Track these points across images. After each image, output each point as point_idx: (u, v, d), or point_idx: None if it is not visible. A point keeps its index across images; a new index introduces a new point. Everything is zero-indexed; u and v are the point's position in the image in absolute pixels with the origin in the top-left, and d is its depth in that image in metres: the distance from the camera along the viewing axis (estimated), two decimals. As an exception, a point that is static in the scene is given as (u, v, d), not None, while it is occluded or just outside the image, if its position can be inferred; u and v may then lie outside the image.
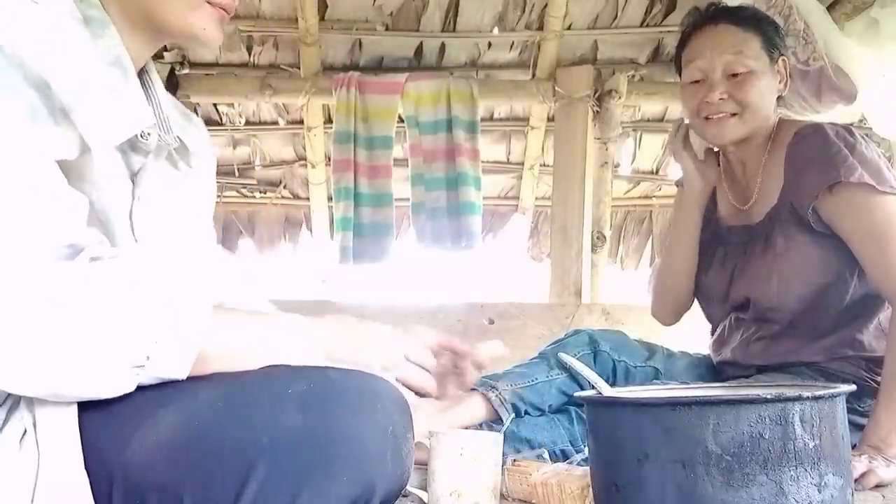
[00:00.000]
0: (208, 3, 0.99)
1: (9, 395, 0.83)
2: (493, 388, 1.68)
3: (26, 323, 0.76)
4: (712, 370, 1.83)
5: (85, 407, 0.82)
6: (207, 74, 3.60)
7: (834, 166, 1.56)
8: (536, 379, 1.72)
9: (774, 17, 2.47)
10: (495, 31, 3.54)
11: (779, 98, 1.74)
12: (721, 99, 1.65)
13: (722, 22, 1.69)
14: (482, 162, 3.54)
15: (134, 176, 0.97)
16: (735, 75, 1.64)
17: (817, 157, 1.59)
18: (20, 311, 0.76)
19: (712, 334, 1.87)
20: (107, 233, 0.90)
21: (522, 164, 4.04)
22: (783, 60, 1.70)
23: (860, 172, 1.54)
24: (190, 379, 0.85)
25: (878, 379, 1.61)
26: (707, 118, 1.68)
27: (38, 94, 0.83)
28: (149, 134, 0.97)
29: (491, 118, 3.88)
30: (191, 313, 0.85)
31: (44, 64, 0.83)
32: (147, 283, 0.83)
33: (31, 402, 0.82)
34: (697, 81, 1.69)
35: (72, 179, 0.85)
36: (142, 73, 1.03)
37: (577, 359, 1.72)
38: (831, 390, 0.97)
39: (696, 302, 1.92)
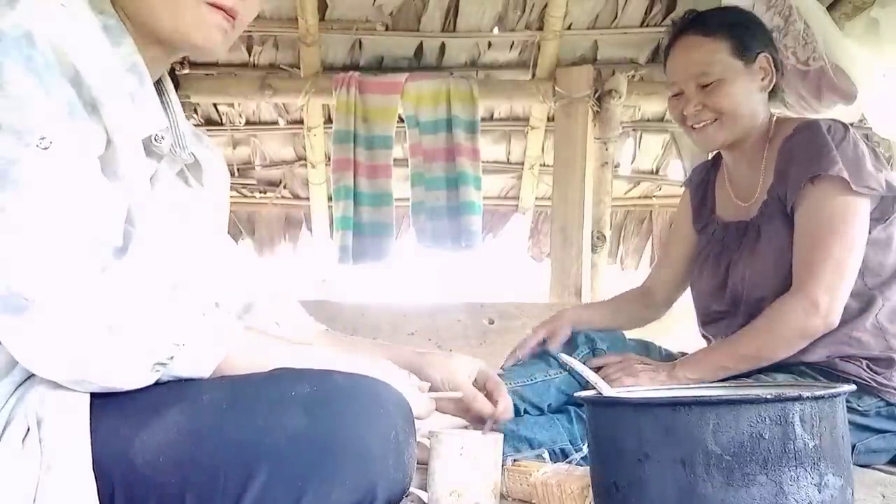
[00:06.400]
0: (208, 4, 0.97)
1: (12, 393, 0.84)
2: None
3: (67, 313, 0.79)
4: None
5: (91, 404, 0.83)
6: (207, 74, 3.60)
7: (818, 159, 1.60)
8: (535, 378, 1.73)
9: (774, 17, 2.48)
10: (495, 31, 3.54)
11: (772, 93, 1.77)
12: (697, 110, 1.72)
13: (690, 34, 1.75)
14: (482, 162, 3.54)
15: (148, 180, 0.98)
16: (707, 85, 1.70)
17: (805, 150, 1.63)
18: (64, 301, 0.79)
19: (708, 340, 1.88)
20: (128, 227, 0.92)
21: (522, 164, 4.04)
22: (765, 57, 1.72)
23: (839, 167, 1.57)
24: (195, 380, 0.86)
25: (879, 379, 1.61)
26: (692, 127, 1.76)
27: (73, 88, 0.85)
28: (162, 138, 0.98)
29: (491, 118, 3.88)
30: (222, 324, 0.89)
31: (77, 59, 0.86)
32: (185, 289, 0.86)
33: (37, 399, 0.82)
34: (677, 95, 1.77)
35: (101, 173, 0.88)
36: (159, 88, 1.04)
37: (577, 359, 1.72)
38: (831, 390, 0.97)
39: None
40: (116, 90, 0.90)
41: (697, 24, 1.75)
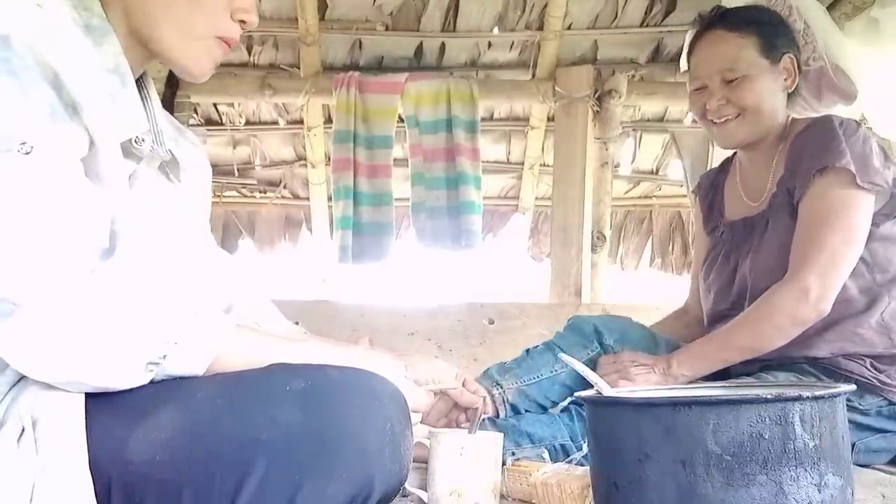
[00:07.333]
0: (217, 36, 1.00)
1: (6, 394, 0.84)
2: (498, 384, 1.70)
3: (58, 315, 0.79)
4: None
5: (85, 403, 0.83)
6: (207, 74, 3.60)
7: (826, 152, 1.61)
8: (541, 375, 1.73)
9: (774, 17, 2.47)
10: (495, 31, 3.54)
11: (791, 95, 1.78)
12: (720, 104, 1.72)
13: (718, 29, 1.75)
14: (482, 162, 3.54)
15: (126, 180, 0.98)
16: (732, 80, 1.70)
17: (815, 144, 1.64)
18: (54, 304, 0.79)
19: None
20: (113, 228, 0.91)
21: (522, 164, 4.05)
22: (789, 58, 1.74)
23: (847, 159, 1.58)
24: (190, 377, 0.87)
25: (882, 378, 1.61)
26: (713, 122, 1.76)
27: (53, 90, 0.85)
28: (143, 140, 0.98)
29: (491, 118, 3.89)
30: (214, 321, 0.89)
31: (55, 60, 0.85)
32: (174, 287, 0.85)
33: (32, 399, 0.82)
34: (699, 89, 1.77)
35: (84, 174, 0.88)
36: (139, 84, 1.04)
37: (590, 357, 1.74)
38: (831, 390, 0.97)
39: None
40: (97, 91, 0.90)
41: (726, 20, 1.76)
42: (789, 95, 1.78)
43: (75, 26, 0.91)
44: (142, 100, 1.02)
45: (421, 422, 1.25)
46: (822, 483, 0.92)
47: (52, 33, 0.87)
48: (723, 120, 1.73)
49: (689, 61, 1.83)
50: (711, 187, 1.97)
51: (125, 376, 0.83)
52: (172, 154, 1.06)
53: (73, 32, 0.90)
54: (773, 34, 1.74)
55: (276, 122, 3.90)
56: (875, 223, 1.63)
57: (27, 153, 0.80)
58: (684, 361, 1.65)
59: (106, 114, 0.90)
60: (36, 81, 0.83)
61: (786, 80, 1.74)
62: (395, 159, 3.55)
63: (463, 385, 1.28)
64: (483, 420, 1.65)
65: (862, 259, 1.62)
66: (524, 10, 3.45)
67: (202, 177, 1.18)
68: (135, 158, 0.99)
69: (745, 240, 1.78)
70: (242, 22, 1.02)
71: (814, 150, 1.63)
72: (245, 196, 4.12)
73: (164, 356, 0.84)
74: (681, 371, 1.64)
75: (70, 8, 0.92)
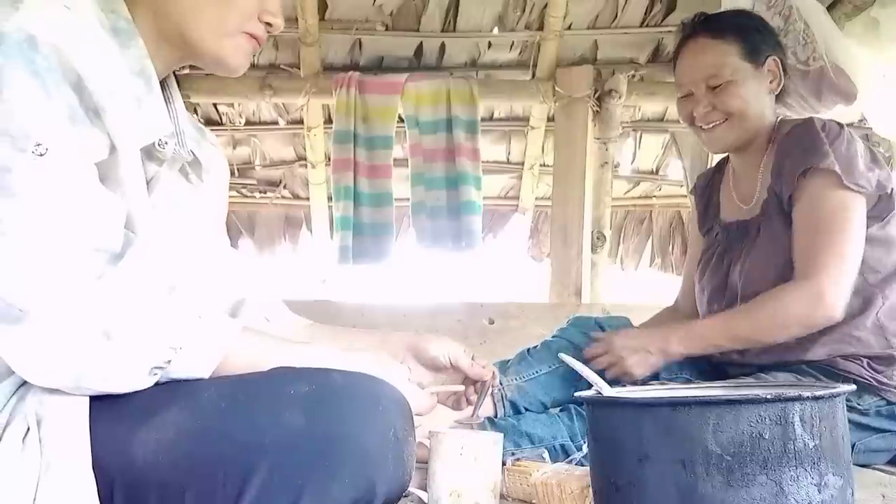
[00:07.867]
0: (246, 32, 1.02)
1: (13, 393, 0.84)
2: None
3: (62, 322, 0.79)
4: (714, 368, 1.84)
5: (89, 404, 0.83)
6: (207, 74, 3.59)
7: (811, 153, 1.62)
8: (540, 371, 1.74)
9: (774, 18, 2.48)
10: (495, 31, 3.54)
11: (779, 96, 1.79)
12: (706, 111, 1.74)
13: (700, 36, 1.77)
14: (482, 162, 3.54)
15: (147, 183, 0.98)
16: (716, 87, 1.72)
17: (799, 146, 1.65)
18: (59, 310, 0.79)
19: None
20: (127, 233, 0.91)
21: (522, 164, 4.05)
22: (773, 60, 1.75)
23: (831, 160, 1.59)
24: (194, 379, 0.87)
25: (880, 378, 1.61)
26: (701, 128, 1.78)
27: (74, 93, 0.85)
28: (166, 143, 0.98)
29: (491, 118, 3.89)
30: (219, 326, 0.89)
31: (80, 63, 0.85)
32: (182, 291, 0.87)
33: (37, 399, 0.83)
34: (686, 96, 1.79)
35: (101, 178, 0.88)
36: (163, 86, 1.04)
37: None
38: (831, 390, 0.97)
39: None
40: (121, 95, 0.90)
41: (707, 26, 1.78)
42: (777, 96, 1.79)
43: (102, 29, 0.91)
44: (165, 101, 1.02)
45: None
46: (822, 483, 0.93)
47: (78, 36, 0.87)
48: (710, 126, 1.75)
49: (674, 68, 1.84)
50: (707, 188, 1.98)
51: (129, 381, 0.83)
52: (195, 155, 1.07)
53: (99, 35, 0.90)
54: (756, 38, 1.75)
55: (276, 122, 3.90)
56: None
57: (41, 155, 0.80)
58: (683, 340, 1.68)
59: (129, 118, 0.90)
60: (58, 83, 0.83)
61: (771, 82, 1.75)
62: (395, 159, 3.55)
63: (472, 360, 1.29)
64: (483, 421, 1.65)
65: None
66: (524, 10, 3.45)
67: (221, 177, 1.19)
68: (157, 161, 0.99)
69: (738, 242, 1.78)
70: (269, 25, 1.04)
71: (797, 152, 1.64)
72: (245, 196, 4.12)
73: (169, 361, 0.84)
74: (679, 349, 1.67)
75: (97, 10, 0.92)
